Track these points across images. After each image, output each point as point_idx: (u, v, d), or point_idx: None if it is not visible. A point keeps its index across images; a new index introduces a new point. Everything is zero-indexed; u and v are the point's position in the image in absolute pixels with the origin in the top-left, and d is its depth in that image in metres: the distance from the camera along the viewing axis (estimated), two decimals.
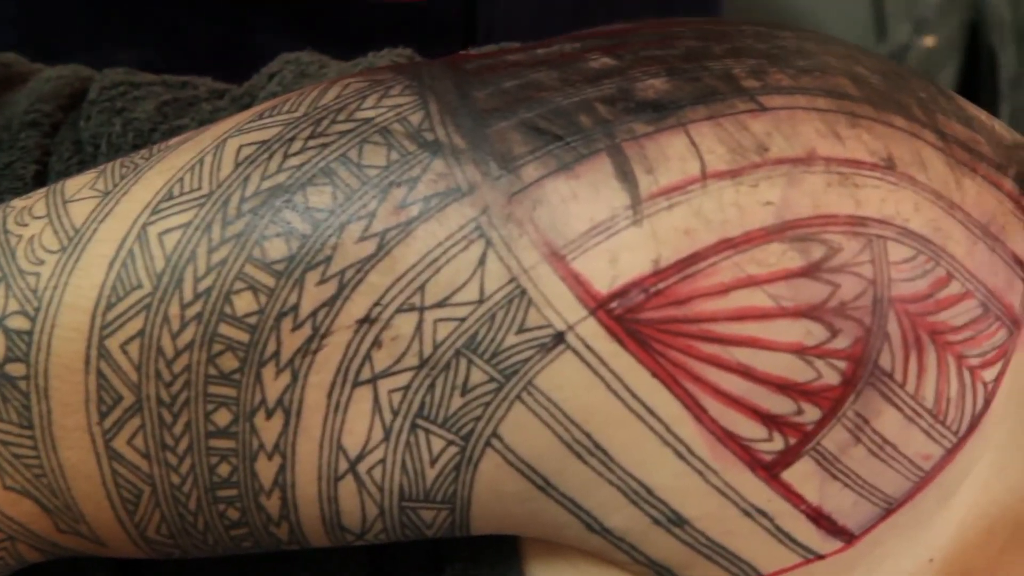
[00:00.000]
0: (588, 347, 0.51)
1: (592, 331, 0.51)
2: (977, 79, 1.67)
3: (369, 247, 0.52)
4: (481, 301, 0.51)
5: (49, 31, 1.12)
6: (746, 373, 0.51)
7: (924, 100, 0.56)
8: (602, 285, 0.51)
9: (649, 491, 0.53)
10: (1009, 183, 0.56)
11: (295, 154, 0.54)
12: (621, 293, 0.51)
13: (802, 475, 0.53)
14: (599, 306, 0.51)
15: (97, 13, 1.12)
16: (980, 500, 0.58)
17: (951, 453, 0.55)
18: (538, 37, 0.60)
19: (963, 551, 0.58)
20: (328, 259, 0.52)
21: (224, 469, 0.54)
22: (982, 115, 0.59)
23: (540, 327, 0.51)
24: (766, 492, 0.53)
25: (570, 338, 0.51)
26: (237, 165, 0.54)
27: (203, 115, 0.71)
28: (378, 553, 0.60)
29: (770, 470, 0.53)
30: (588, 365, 0.51)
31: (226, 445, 0.53)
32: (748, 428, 0.52)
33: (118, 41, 1.13)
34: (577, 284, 0.51)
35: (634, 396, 0.51)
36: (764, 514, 0.53)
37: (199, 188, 0.54)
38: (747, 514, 0.53)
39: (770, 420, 0.52)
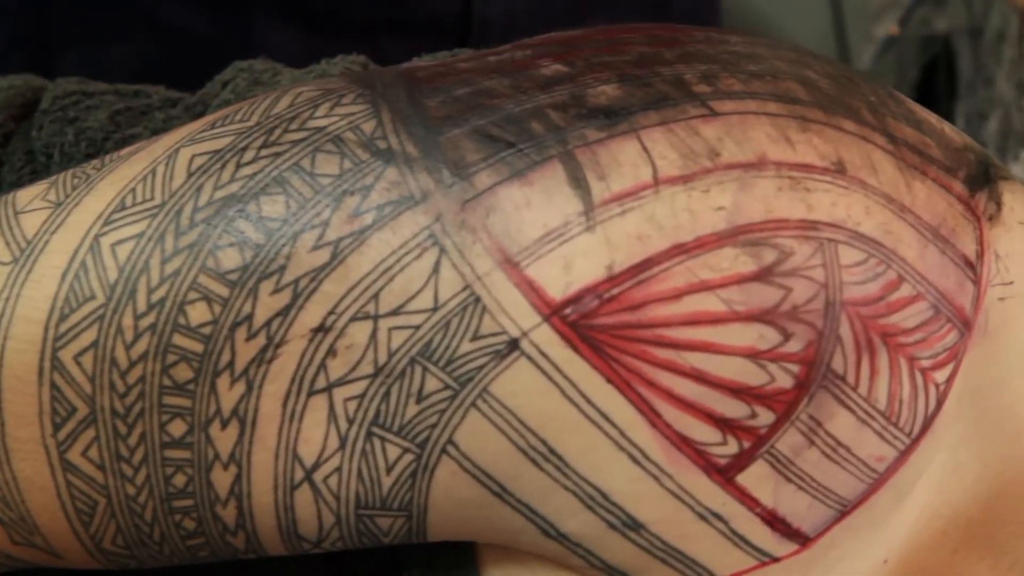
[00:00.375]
0: (542, 353, 0.51)
1: (546, 337, 0.51)
2: (935, 82, 1.68)
3: (323, 256, 0.52)
4: (435, 309, 0.51)
5: (47, 24, 1.12)
6: (700, 378, 0.52)
7: (874, 104, 0.56)
8: (556, 291, 0.51)
9: (605, 496, 0.53)
10: (959, 185, 0.56)
11: (248, 163, 0.54)
12: (575, 299, 0.51)
13: (756, 478, 0.53)
14: (553, 312, 0.51)
15: (95, 5, 1.12)
16: (934, 501, 0.58)
17: (904, 455, 0.55)
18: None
19: (917, 552, 0.58)
20: (282, 268, 0.52)
21: (180, 480, 0.54)
22: (932, 118, 0.59)
23: (494, 334, 0.51)
24: (721, 496, 0.53)
25: (524, 345, 0.51)
26: (190, 175, 0.54)
27: (156, 124, 0.71)
28: (335, 560, 0.60)
29: (724, 474, 0.53)
30: (543, 371, 0.51)
31: (181, 455, 0.53)
32: (702, 432, 0.52)
33: (116, 34, 1.13)
34: (531, 291, 0.51)
35: (589, 402, 0.52)
36: (719, 517, 0.53)
37: (152, 198, 0.54)
38: (702, 518, 0.53)
39: (724, 424, 0.52)
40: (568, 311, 0.51)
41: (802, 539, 0.55)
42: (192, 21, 1.12)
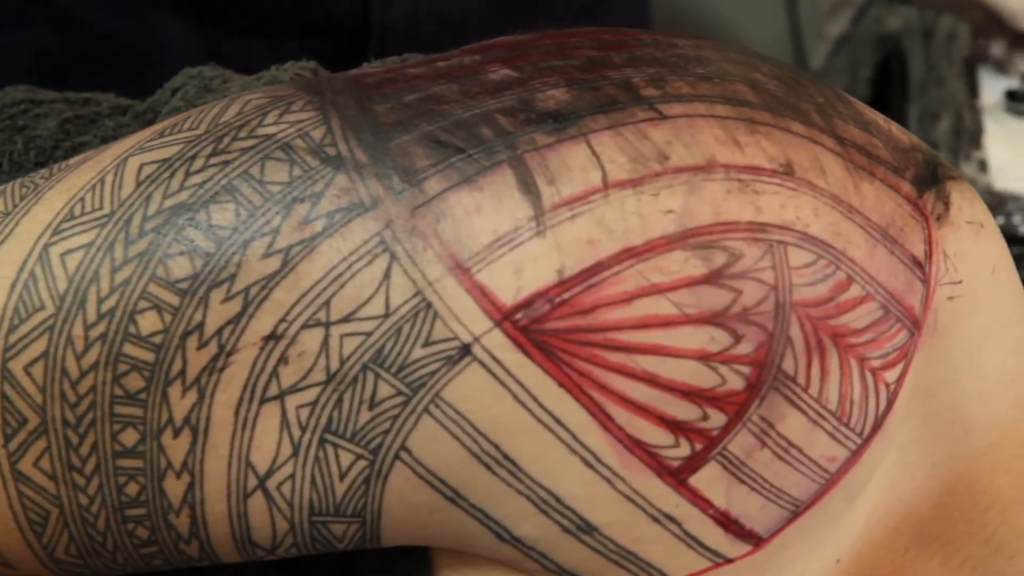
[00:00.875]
0: (494, 358, 0.51)
1: (498, 342, 0.51)
2: (888, 82, 1.69)
3: (274, 263, 0.52)
4: (387, 315, 0.52)
5: None
6: (651, 380, 0.52)
7: (822, 105, 0.57)
8: (507, 296, 0.51)
9: (558, 500, 0.53)
10: (907, 186, 0.57)
11: (197, 172, 0.53)
12: (526, 304, 0.51)
13: (709, 480, 0.53)
14: (504, 317, 0.51)
15: None
16: (885, 499, 0.59)
17: (856, 454, 0.56)
18: (435, 42, 0.60)
19: (869, 551, 0.59)
20: (232, 276, 0.52)
21: (132, 489, 0.53)
22: (879, 119, 0.60)
23: (446, 339, 0.51)
24: (674, 498, 0.53)
25: (476, 350, 0.51)
26: (138, 184, 0.54)
27: (106, 132, 0.71)
28: (289, 567, 0.60)
29: (677, 476, 0.53)
30: (495, 376, 0.52)
31: (133, 465, 0.53)
32: (655, 435, 0.52)
33: (14, 20, 1.12)
34: (482, 296, 0.51)
35: (541, 406, 0.52)
36: (672, 519, 0.54)
37: (100, 208, 0.54)
38: (655, 520, 0.53)
39: (676, 427, 0.52)
40: (519, 316, 0.51)
41: (755, 540, 0.55)
42: (92, 10, 1.11)
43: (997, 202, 1.15)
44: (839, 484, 0.56)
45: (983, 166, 1.37)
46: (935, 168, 0.59)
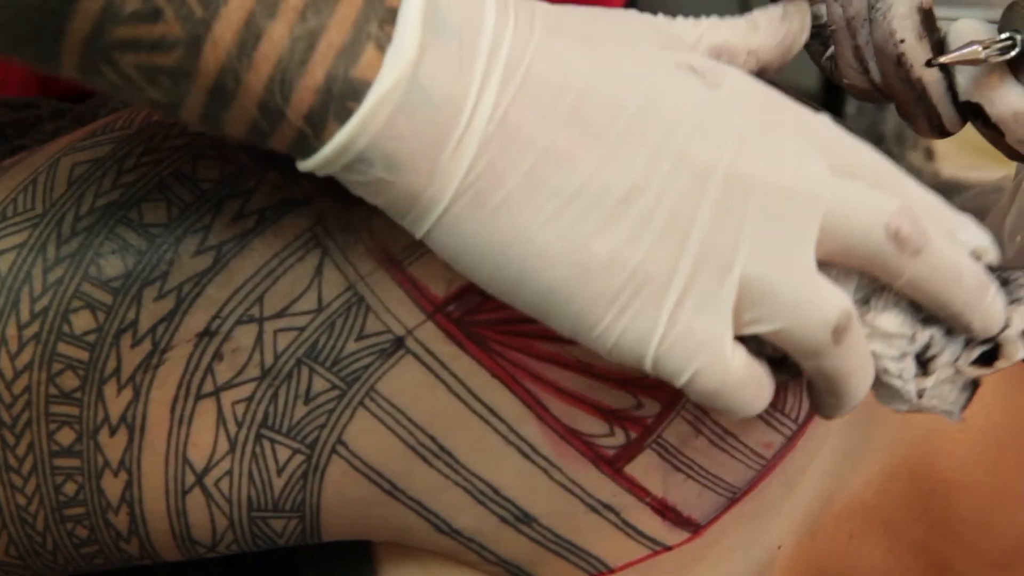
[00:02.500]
0: (428, 351, 0.52)
1: (431, 335, 0.52)
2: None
3: (206, 260, 0.52)
4: (320, 310, 0.52)
5: None
6: (586, 370, 0.52)
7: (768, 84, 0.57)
8: (439, 289, 0.51)
9: (496, 491, 0.53)
10: None
11: (129, 171, 0.53)
12: (458, 296, 0.51)
13: (645, 468, 0.53)
14: (437, 310, 0.51)
15: None
16: (826, 486, 0.59)
17: (792, 440, 0.56)
18: None
19: (812, 537, 0.59)
20: (165, 274, 0.52)
21: (70, 488, 0.53)
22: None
23: (379, 333, 0.51)
24: (610, 487, 0.53)
25: (410, 343, 0.51)
26: (71, 184, 0.54)
27: (45, 135, 0.70)
28: (232, 564, 0.59)
29: (613, 465, 0.53)
30: (429, 369, 0.52)
31: (71, 464, 0.53)
32: (590, 424, 0.53)
33: None
34: (414, 289, 0.51)
35: (476, 397, 0.52)
36: (610, 508, 0.54)
37: (33, 208, 0.54)
38: (593, 509, 0.54)
39: (611, 415, 0.52)
40: (451, 308, 0.51)
41: (693, 527, 0.55)
42: None
43: (944, 190, 1.15)
44: (776, 470, 0.56)
45: (929, 154, 1.37)
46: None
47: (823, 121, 0.49)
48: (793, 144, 0.48)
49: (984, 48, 0.54)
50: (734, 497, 0.55)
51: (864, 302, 0.49)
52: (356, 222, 0.50)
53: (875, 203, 0.47)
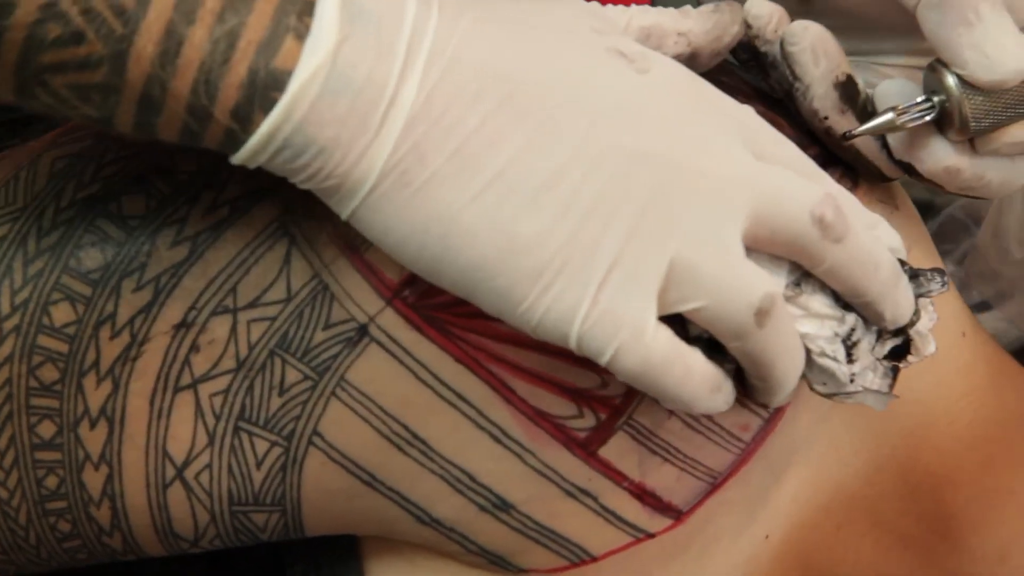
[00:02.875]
0: (391, 338, 0.52)
1: (392, 321, 0.52)
2: None
3: (182, 251, 0.52)
4: (289, 299, 0.52)
5: None
6: (544, 348, 0.52)
7: (724, 84, 0.57)
8: (394, 273, 0.51)
9: (472, 477, 0.53)
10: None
11: (109, 164, 0.54)
12: (411, 279, 0.51)
13: (619, 451, 0.53)
14: (394, 295, 0.51)
15: None
16: (814, 476, 0.59)
17: (770, 423, 0.55)
18: None
19: (800, 527, 0.59)
20: (143, 265, 0.52)
21: (52, 481, 0.53)
22: (786, 123, 0.60)
23: (344, 321, 0.52)
24: (585, 471, 0.53)
25: (373, 330, 0.52)
26: (51, 178, 0.54)
27: (36, 135, 0.70)
28: (217, 560, 0.59)
29: (586, 448, 0.53)
30: (394, 356, 0.52)
31: (52, 457, 0.53)
32: (557, 406, 0.52)
33: None
34: (371, 274, 0.51)
35: (442, 383, 0.52)
36: (587, 493, 0.53)
37: (14, 202, 0.54)
38: (570, 495, 0.53)
39: (577, 395, 0.52)
40: (407, 293, 0.51)
41: (675, 513, 0.55)
42: None
43: (933, 194, 1.14)
44: (757, 454, 0.55)
45: None
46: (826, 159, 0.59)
47: (747, 111, 0.50)
48: (720, 130, 0.48)
49: (899, 115, 0.55)
50: (715, 482, 0.55)
51: (796, 284, 0.50)
52: (320, 210, 0.50)
53: (801, 190, 0.48)
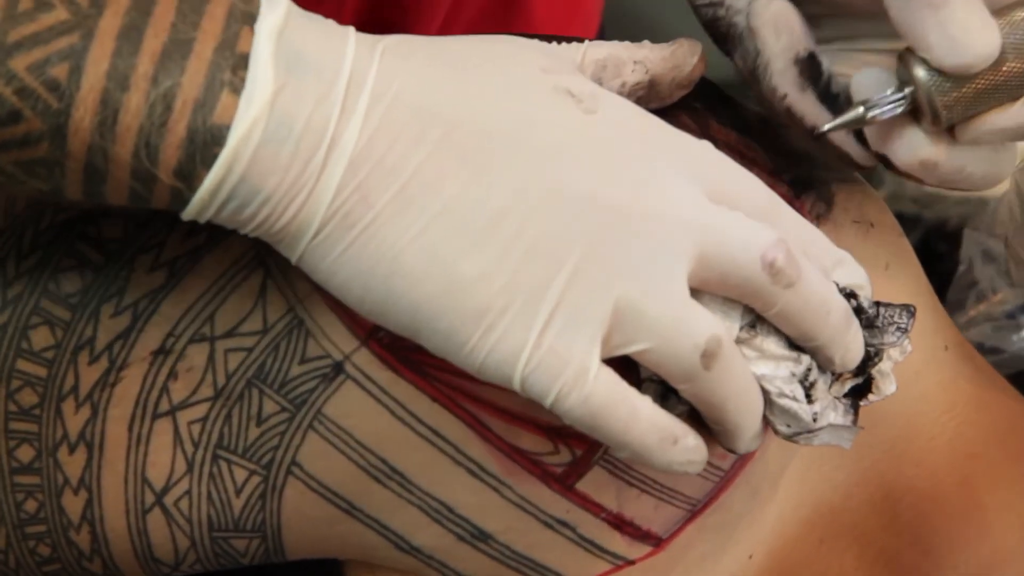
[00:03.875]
0: (367, 376, 0.51)
1: (367, 360, 0.51)
2: None
3: (160, 277, 0.52)
4: (265, 331, 0.51)
5: None
6: None
7: (698, 109, 0.56)
8: None
9: (450, 509, 0.53)
10: (783, 186, 0.56)
11: None
12: None
13: (596, 484, 0.53)
14: (369, 336, 0.51)
15: None
16: (796, 491, 0.58)
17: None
18: None
19: (783, 545, 0.58)
20: (122, 290, 0.52)
21: (31, 505, 0.53)
22: (769, 126, 0.59)
23: (320, 357, 0.52)
24: (563, 503, 0.53)
25: (348, 368, 0.51)
26: (30, 201, 0.54)
27: None
28: None
29: (563, 482, 0.53)
30: (370, 394, 0.51)
31: (31, 481, 0.53)
32: (533, 443, 0.52)
33: None
34: (346, 314, 0.51)
35: (419, 421, 0.52)
36: (565, 524, 0.53)
37: None
38: (548, 526, 0.53)
39: (553, 433, 0.52)
40: (382, 334, 0.51)
41: (654, 540, 0.55)
42: None
43: (925, 199, 1.13)
44: (737, 481, 0.55)
45: None
46: (812, 172, 0.59)
47: (704, 149, 0.49)
48: (669, 171, 0.48)
49: (868, 108, 0.53)
50: (694, 509, 0.55)
51: (751, 326, 0.49)
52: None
53: (751, 234, 0.47)
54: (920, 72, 0.52)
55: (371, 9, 0.81)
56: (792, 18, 0.55)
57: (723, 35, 0.56)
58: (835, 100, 0.55)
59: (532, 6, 0.90)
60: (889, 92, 0.53)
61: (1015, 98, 0.52)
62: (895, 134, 0.54)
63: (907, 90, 0.52)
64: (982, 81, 0.51)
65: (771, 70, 0.55)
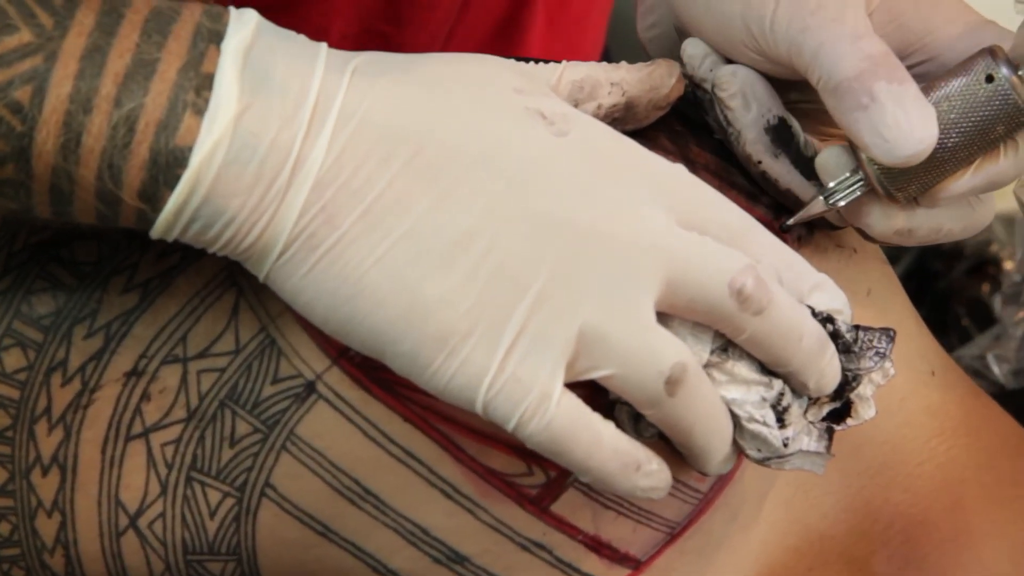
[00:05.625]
0: (339, 396, 0.51)
1: (339, 380, 0.51)
2: None
3: (133, 298, 0.52)
4: (237, 351, 0.51)
5: None
6: None
7: (679, 132, 0.56)
8: None
9: (425, 532, 0.52)
10: (762, 209, 0.56)
11: None
12: None
13: (572, 507, 0.53)
14: (340, 355, 0.51)
15: None
16: (782, 518, 0.58)
17: (728, 473, 0.55)
18: None
19: (770, 570, 0.58)
20: (94, 312, 0.52)
21: (4, 528, 0.53)
22: None
23: (292, 377, 0.51)
24: (539, 526, 0.53)
25: (320, 388, 0.51)
26: (4, 223, 0.53)
27: None
28: None
29: (538, 504, 0.52)
30: (342, 414, 0.51)
31: (4, 503, 0.53)
32: (507, 464, 0.52)
33: None
34: (317, 333, 0.51)
35: (392, 441, 0.51)
36: (542, 547, 0.53)
37: None
38: (524, 548, 0.53)
39: (527, 454, 0.51)
40: (354, 352, 0.51)
41: (633, 563, 0.54)
42: None
43: None
44: (716, 504, 0.55)
45: None
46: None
47: (677, 172, 0.49)
48: (639, 195, 0.47)
49: (828, 198, 0.53)
50: (673, 532, 0.54)
51: (723, 350, 0.49)
52: None
53: (719, 260, 0.47)
54: (865, 160, 0.52)
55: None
56: (759, 87, 0.55)
57: (691, 103, 0.56)
58: (808, 163, 0.55)
59: (529, 51, 0.90)
60: (847, 175, 0.53)
61: (970, 163, 0.53)
62: (865, 210, 0.54)
63: (858, 178, 0.53)
64: (929, 162, 0.51)
65: (743, 139, 0.55)
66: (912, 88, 0.50)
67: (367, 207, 0.45)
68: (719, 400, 0.49)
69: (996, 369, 0.95)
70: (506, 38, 0.90)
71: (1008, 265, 1.02)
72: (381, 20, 0.80)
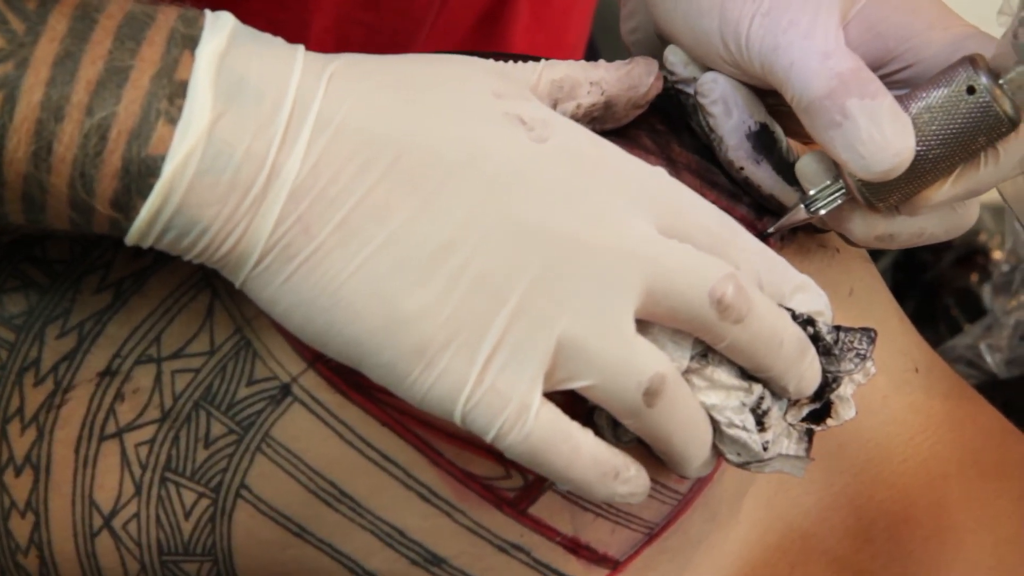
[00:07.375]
0: (314, 399, 0.51)
1: (315, 383, 0.51)
2: None
3: (106, 298, 0.51)
4: (212, 352, 0.51)
5: None
6: None
7: (660, 131, 0.56)
8: None
9: (402, 533, 0.52)
10: (743, 209, 0.56)
11: None
12: None
13: (550, 509, 0.52)
14: (316, 358, 0.51)
15: None
16: (763, 516, 0.58)
17: (709, 473, 0.54)
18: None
19: (752, 569, 0.58)
20: (67, 311, 0.51)
21: None
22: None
23: (267, 379, 0.51)
24: (517, 528, 0.52)
25: (296, 390, 0.51)
26: None
27: None
28: None
29: (516, 506, 0.52)
30: (318, 417, 0.51)
31: None
32: (484, 467, 0.51)
33: None
34: (293, 336, 0.50)
35: (369, 445, 0.51)
36: (519, 548, 0.53)
37: None
38: (502, 550, 0.52)
39: (505, 457, 0.51)
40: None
41: (611, 564, 0.54)
42: None
43: None
44: (695, 504, 0.55)
45: None
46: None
47: (657, 177, 0.49)
48: (619, 202, 0.47)
49: (808, 206, 0.53)
50: (652, 532, 0.54)
51: (703, 356, 0.49)
52: None
53: (699, 268, 0.47)
54: (847, 174, 0.52)
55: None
56: (740, 94, 0.54)
57: (675, 104, 0.56)
58: (791, 168, 0.55)
59: (512, 41, 0.90)
60: (828, 183, 0.53)
61: (951, 173, 0.52)
62: (846, 217, 0.54)
63: (836, 187, 0.53)
64: (910, 173, 0.51)
65: (725, 145, 0.54)
66: (886, 101, 0.49)
67: (344, 216, 0.45)
68: (698, 408, 0.49)
69: (989, 359, 0.95)
70: (490, 26, 0.89)
71: (997, 255, 1.02)
72: (360, 7, 0.79)
